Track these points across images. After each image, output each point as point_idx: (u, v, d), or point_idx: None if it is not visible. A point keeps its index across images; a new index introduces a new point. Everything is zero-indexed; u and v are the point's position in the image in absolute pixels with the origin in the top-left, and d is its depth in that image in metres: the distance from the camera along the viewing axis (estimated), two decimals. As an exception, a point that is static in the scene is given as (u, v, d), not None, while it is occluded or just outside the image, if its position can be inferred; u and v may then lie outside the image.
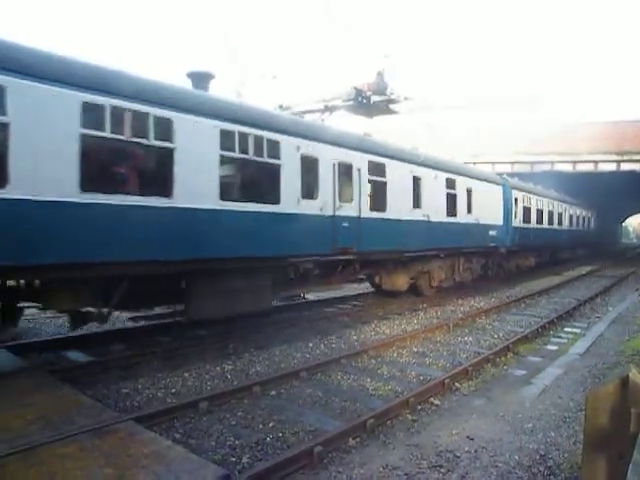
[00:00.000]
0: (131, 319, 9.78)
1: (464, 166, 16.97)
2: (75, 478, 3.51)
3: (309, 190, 9.19)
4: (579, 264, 28.68)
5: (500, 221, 17.84)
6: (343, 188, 10.00)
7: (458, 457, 4.57)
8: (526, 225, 20.78)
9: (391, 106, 13.28)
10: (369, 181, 10.80)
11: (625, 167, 27.40)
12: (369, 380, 6.74)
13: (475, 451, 4.71)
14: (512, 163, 28.78)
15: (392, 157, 11.65)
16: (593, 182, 32.00)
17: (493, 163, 27.79)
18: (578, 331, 10.40)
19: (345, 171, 10.07)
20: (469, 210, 15.40)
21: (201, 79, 8.24)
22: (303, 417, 5.45)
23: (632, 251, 48.42)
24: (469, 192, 15.39)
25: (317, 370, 7.05)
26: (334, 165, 9.70)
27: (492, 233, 17.12)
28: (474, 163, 23.97)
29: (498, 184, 18.11)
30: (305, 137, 9.13)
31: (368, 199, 10.86)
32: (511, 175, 22.82)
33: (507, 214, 18.43)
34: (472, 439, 4.97)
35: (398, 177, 11.72)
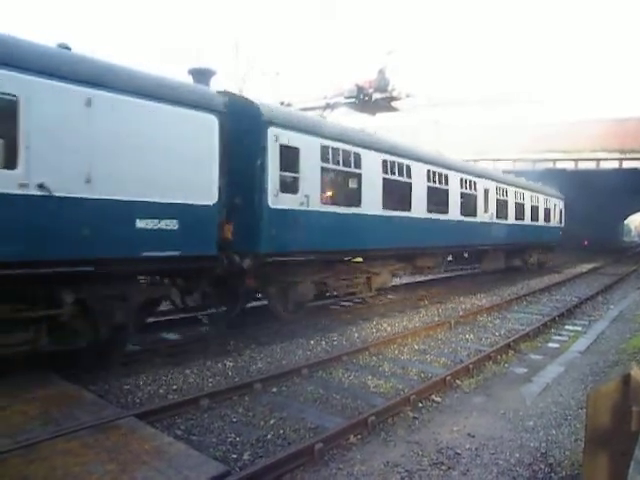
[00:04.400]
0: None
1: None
2: (77, 474, 3.52)
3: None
4: (580, 262, 28.64)
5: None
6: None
7: (459, 454, 4.58)
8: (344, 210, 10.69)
9: (393, 103, 13.28)
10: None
11: (627, 165, 27.36)
12: (370, 377, 6.74)
13: (476, 448, 4.71)
14: (514, 160, 28.76)
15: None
16: (595, 180, 31.94)
17: (495, 160, 27.76)
18: (579, 329, 10.39)
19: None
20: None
21: (202, 75, 8.24)
22: (304, 414, 5.46)
23: (633, 249, 48.36)
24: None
25: (318, 367, 7.06)
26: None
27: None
28: (476, 160, 23.92)
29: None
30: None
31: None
32: (515, 173, 22.68)
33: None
34: (473, 436, 4.97)
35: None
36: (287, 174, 8.74)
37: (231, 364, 7.17)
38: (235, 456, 4.47)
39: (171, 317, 9.86)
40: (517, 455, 4.61)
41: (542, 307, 12.99)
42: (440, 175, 13.52)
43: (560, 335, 9.84)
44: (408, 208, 12.22)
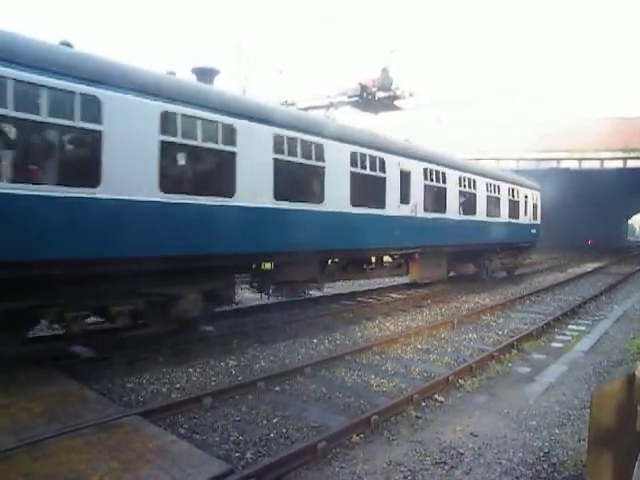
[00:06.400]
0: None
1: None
2: (81, 471, 3.54)
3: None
4: (584, 261, 28.55)
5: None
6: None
7: (462, 454, 4.57)
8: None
9: (396, 102, 13.25)
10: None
11: (632, 164, 27.26)
12: (373, 376, 6.74)
13: (479, 448, 4.71)
14: (517, 160, 28.69)
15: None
16: (599, 179, 31.83)
17: (498, 160, 27.70)
18: (583, 329, 10.36)
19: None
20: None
21: (206, 75, 8.24)
22: (307, 413, 5.46)
23: (638, 249, 48.18)
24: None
25: (321, 366, 7.06)
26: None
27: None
28: (478, 159, 23.86)
29: None
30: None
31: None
32: (518, 172, 22.20)
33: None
34: (476, 436, 4.97)
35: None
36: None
37: (234, 363, 7.18)
38: (238, 455, 4.48)
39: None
40: (520, 455, 4.60)
41: (546, 306, 12.95)
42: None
43: (564, 335, 9.81)
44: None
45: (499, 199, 16.84)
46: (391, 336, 8.88)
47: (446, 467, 4.33)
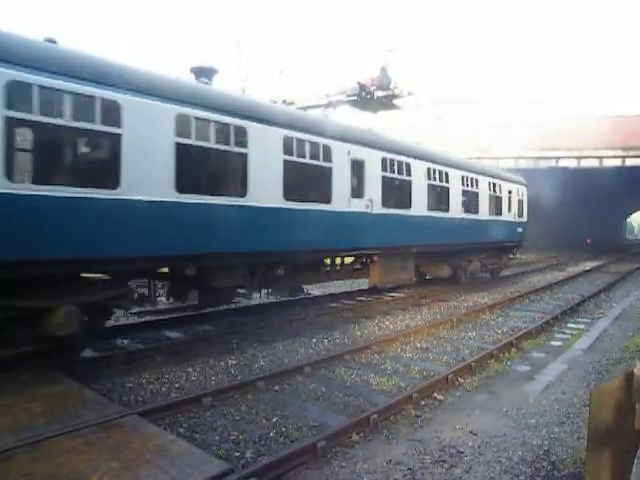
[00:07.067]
0: (135, 314, 9.85)
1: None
2: (81, 471, 3.54)
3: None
4: (582, 260, 28.58)
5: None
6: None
7: (461, 452, 4.58)
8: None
9: (395, 101, 13.25)
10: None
11: (630, 162, 27.27)
12: (373, 375, 6.75)
13: (478, 446, 4.71)
14: (516, 158, 28.71)
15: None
16: (598, 178, 31.85)
17: (497, 158, 27.71)
18: (582, 327, 10.37)
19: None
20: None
21: (204, 74, 8.25)
22: (307, 412, 5.47)
23: (637, 247, 48.23)
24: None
25: (321, 365, 7.06)
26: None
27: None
28: (478, 158, 23.87)
29: None
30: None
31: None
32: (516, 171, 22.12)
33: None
34: (475, 434, 4.97)
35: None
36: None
37: (234, 362, 7.19)
38: (238, 454, 4.48)
39: (175, 315, 9.92)
40: (520, 453, 4.61)
41: (545, 305, 12.97)
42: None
43: (563, 333, 9.82)
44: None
45: (477, 194, 15.33)
46: (390, 335, 8.89)
47: (446, 465, 4.34)
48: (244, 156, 7.89)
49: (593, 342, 8.97)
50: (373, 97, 12.54)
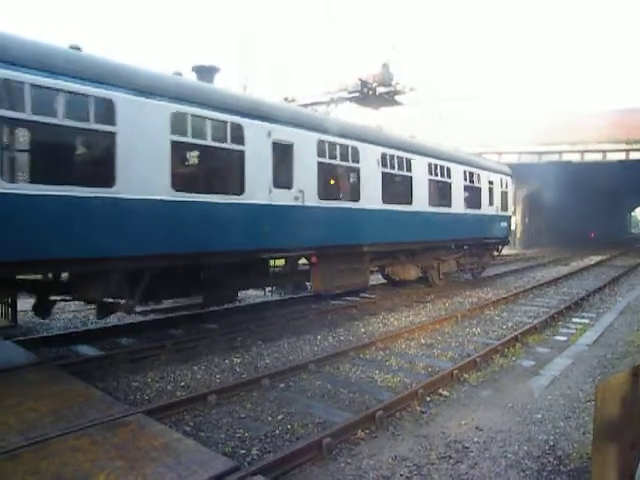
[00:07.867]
0: (140, 313, 9.88)
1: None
2: (87, 470, 3.55)
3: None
4: (586, 254, 28.47)
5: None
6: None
7: (467, 448, 4.58)
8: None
9: (397, 97, 13.22)
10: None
11: (634, 156, 27.12)
12: (377, 372, 6.75)
13: (484, 442, 4.71)
14: (519, 153, 28.60)
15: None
16: (601, 172, 31.72)
17: (500, 153, 27.61)
18: (587, 321, 10.34)
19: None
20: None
21: (206, 72, 8.24)
22: (312, 409, 5.47)
23: None
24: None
25: (325, 362, 7.07)
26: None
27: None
28: (481, 153, 23.78)
29: None
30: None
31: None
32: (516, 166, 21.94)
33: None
34: (481, 430, 4.97)
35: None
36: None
37: (238, 360, 7.20)
38: (244, 451, 4.49)
39: (177, 314, 9.93)
40: (525, 448, 4.60)
41: (549, 300, 12.93)
42: None
43: (568, 328, 9.79)
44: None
45: (450, 184, 13.51)
46: (395, 331, 8.88)
47: (451, 461, 4.33)
48: (112, 135, 6.19)
49: (598, 336, 8.93)
50: (375, 93, 12.51)
